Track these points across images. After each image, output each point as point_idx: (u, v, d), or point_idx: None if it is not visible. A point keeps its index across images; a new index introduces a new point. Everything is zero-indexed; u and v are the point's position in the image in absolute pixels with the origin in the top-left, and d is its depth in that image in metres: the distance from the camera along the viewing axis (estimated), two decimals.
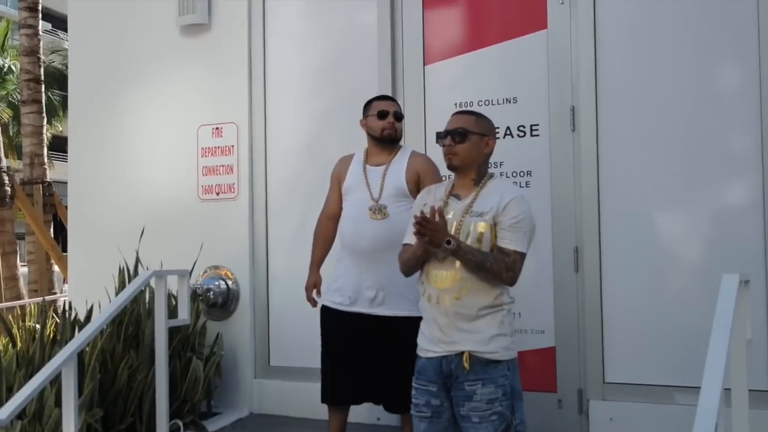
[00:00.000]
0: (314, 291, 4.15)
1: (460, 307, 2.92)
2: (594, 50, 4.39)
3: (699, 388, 2.33)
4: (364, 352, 3.94)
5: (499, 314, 2.95)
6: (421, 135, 4.76)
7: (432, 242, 2.84)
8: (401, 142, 4.12)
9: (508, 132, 4.58)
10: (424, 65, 4.83)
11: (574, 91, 4.44)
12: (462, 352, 2.91)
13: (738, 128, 4.13)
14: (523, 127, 4.56)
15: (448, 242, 2.81)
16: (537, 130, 4.53)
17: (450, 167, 3.09)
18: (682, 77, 4.23)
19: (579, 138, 4.41)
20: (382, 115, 3.97)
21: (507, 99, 4.61)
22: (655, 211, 4.29)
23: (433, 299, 2.98)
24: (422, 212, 2.90)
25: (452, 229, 2.95)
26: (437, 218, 2.84)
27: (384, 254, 3.81)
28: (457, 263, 2.92)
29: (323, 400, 4.06)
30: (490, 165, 3.16)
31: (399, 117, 4.00)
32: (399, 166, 3.95)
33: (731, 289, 2.81)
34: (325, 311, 4.05)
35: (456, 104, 4.64)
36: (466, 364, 2.90)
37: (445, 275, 2.95)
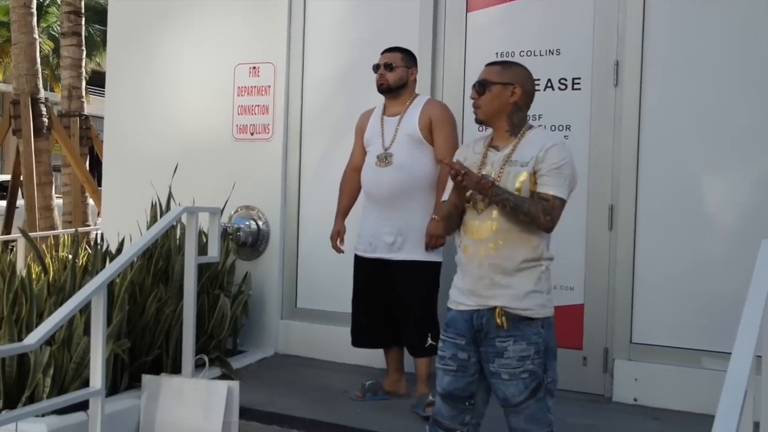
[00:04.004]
0: (338, 240, 4.30)
1: (496, 259, 2.82)
2: (643, 4, 4.25)
3: (728, 353, 2.27)
4: (387, 298, 4.07)
5: (537, 270, 2.85)
6: (460, 82, 4.68)
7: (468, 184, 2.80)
8: (417, 90, 4.15)
9: (549, 84, 4.48)
10: (466, 12, 4.72)
11: (620, 45, 4.31)
12: (494, 308, 2.83)
13: None
14: (565, 80, 4.46)
15: (483, 177, 2.80)
16: (579, 83, 4.42)
17: (476, 120, 2.99)
18: (732, 39, 4.09)
19: (621, 94, 4.30)
20: (375, 68, 4.11)
21: (550, 50, 4.50)
22: (694, 172, 4.19)
23: (469, 250, 2.90)
24: (457, 163, 2.85)
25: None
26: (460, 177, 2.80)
27: (400, 200, 3.96)
28: (495, 213, 2.83)
29: (352, 344, 4.26)
30: (528, 117, 3.04)
31: (389, 67, 4.05)
32: (413, 114, 4.04)
33: None
34: (355, 259, 4.21)
35: (497, 53, 4.55)
36: (499, 320, 2.80)
37: (482, 225, 2.86)
